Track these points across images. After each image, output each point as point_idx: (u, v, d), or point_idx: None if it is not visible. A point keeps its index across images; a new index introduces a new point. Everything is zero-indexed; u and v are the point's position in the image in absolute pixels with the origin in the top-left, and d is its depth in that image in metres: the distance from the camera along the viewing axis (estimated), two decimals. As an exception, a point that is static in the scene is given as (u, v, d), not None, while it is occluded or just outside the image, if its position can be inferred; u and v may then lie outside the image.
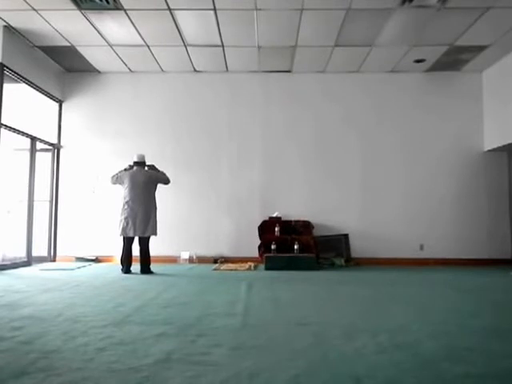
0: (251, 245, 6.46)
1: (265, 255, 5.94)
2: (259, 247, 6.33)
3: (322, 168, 6.77)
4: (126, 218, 5.30)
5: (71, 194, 6.77)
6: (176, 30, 5.43)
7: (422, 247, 6.58)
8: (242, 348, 2.20)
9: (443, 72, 6.78)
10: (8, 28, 5.40)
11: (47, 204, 6.66)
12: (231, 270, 5.75)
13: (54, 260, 6.62)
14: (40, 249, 6.47)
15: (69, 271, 5.48)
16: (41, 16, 5.09)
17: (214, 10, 4.91)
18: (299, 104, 6.86)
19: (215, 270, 5.76)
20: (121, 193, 5.52)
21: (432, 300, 3.66)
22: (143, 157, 5.59)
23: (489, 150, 6.62)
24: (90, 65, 6.62)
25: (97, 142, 6.84)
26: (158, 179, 5.58)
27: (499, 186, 6.66)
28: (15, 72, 5.60)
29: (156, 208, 5.51)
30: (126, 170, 5.54)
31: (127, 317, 2.89)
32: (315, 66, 6.60)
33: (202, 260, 6.53)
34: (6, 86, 5.43)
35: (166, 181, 5.64)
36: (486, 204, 6.65)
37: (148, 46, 5.94)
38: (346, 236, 6.59)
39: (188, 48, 6.00)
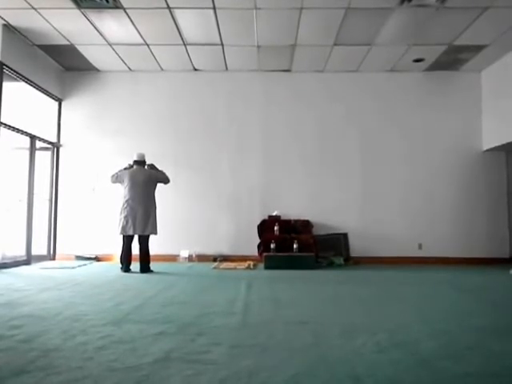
0: (251, 243, 6.47)
1: (264, 254, 5.94)
2: (258, 246, 6.34)
3: (321, 167, 6.77)
4: (125, 217, 5.31)
5: (71, 193, 6.77)
6: (175, 29, 5.42)
7: (420, 246, 6.59)
8: (242, 347, 2.21)
9: (442, 71, 6.78)
10: (7, 27, 5.39)
11: (47, 203, 6.66)
12: (231, 268, 5.76)
13: (54, 259, 6.63)
14: (40, 247, 6.46)
15: (68, 270, 5.48)
16: (40, 15, 5.08)
17: (214, 9, 4.90)
18: (299, 103, 6.85)
19: (215, 268, 5.77)
20: (121, 192, 5.53)
21: (431, 299, 3.67)
22: (143, 156, 5.60)
23: (487, 150, 6.62)
24: (90, 63, 6.61)
25: (96, 140, 6.83)
26: (158, 178, 5.58)
27: (497, 185, 6.67)
28: (15, 71, 5.59)
29: (156, 207, 5.52)
30: (125, 168, 5.54)
31: (127, 315, 2.90)
32: (314, 65, 6.60)
33: (201, 258, 6.53)
34: (6, 85, 5.42)
35: (166, 180, 5.64)
36: (485, 203, 6.66)
37: (147, 45, 5.94)
38: (345, 235, 6.59)
39: (187, 47, 6.00)
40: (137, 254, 5.38)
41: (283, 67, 6.73)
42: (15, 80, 5.75)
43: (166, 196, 6.28)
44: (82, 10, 4.98)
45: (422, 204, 6.67)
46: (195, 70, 6.88)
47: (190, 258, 6.54)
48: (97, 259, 6.53)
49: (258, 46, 5.94)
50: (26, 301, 3.38)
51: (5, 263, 5.58)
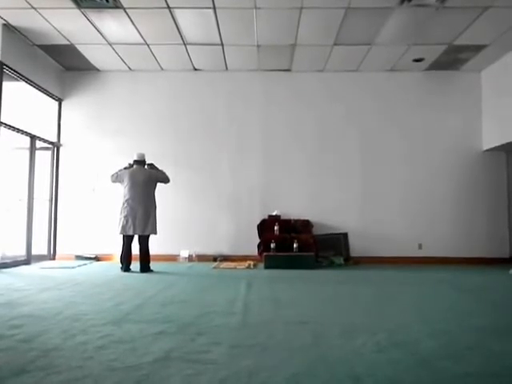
0: (251, 243, 6.47)
1: (264, 254, 5.94)
2: (258, 246, 6.34)
3: (321, 167, 6.77)
4: (125, 217, 5.31)
5: (71, 193, 6.76)
6: (175, 29, 5.42)
7: (420, 246, 6.59)
8: (242, 346, 2.21)
9: (442, 71, 6.78)
10: (7, 26, 5.39)
11: (47, 202, 6.66)
12: (231, 268, 5.76)
13: (54, 258, 6.63)
14: (40, 247, 6.46)
15: (68, 270, 5.48)
16: (40, 14, 5.08)
17: (214, 8, 4.90)
18: (299, 103, 6.85)
19: (215, 268, 5.77)
20: (120, 191, 5.53)
21: (431, 299, 3.67)
22: (143, 155, 5.60)
23: (487, 150, 6.62)
24: (90, 63, 6.61)
25: (96, 140, 6.83)
26: (158, 178, 5.58)
27: (497, 185, 6.67)
28: (15, 70, 5.59)
29: (156, 207, 5.52)
30: (125, 168, 5.54)
31: (127, 315, 2.90)
32: (314, 64, 6.60)
33: (201, 258, 6.53)
34: (6, 85, 5.42)
35: (166, 179, 5.64)
36: (485, 203, 6.66)
37: (147, 45, 5.94)
38: (345, 235, 6.59)
39: (187, 46, 5.99)
40: (137, 254, 5.38)
41: (283, 67, 6.73)
42: (15, 80, 5.74)
43: (166, 196, 6.27)
44: (82, 10, 4.98)
45: (421, 204, 6.67)
46: (195, 69, 6.88)
47: (190, 258, 6.54)
48: (97, 259, 6.53)
49: (258, 46, 5.94)
50: (26, 301, 3.38)
51: (5, 263, 5.58)
